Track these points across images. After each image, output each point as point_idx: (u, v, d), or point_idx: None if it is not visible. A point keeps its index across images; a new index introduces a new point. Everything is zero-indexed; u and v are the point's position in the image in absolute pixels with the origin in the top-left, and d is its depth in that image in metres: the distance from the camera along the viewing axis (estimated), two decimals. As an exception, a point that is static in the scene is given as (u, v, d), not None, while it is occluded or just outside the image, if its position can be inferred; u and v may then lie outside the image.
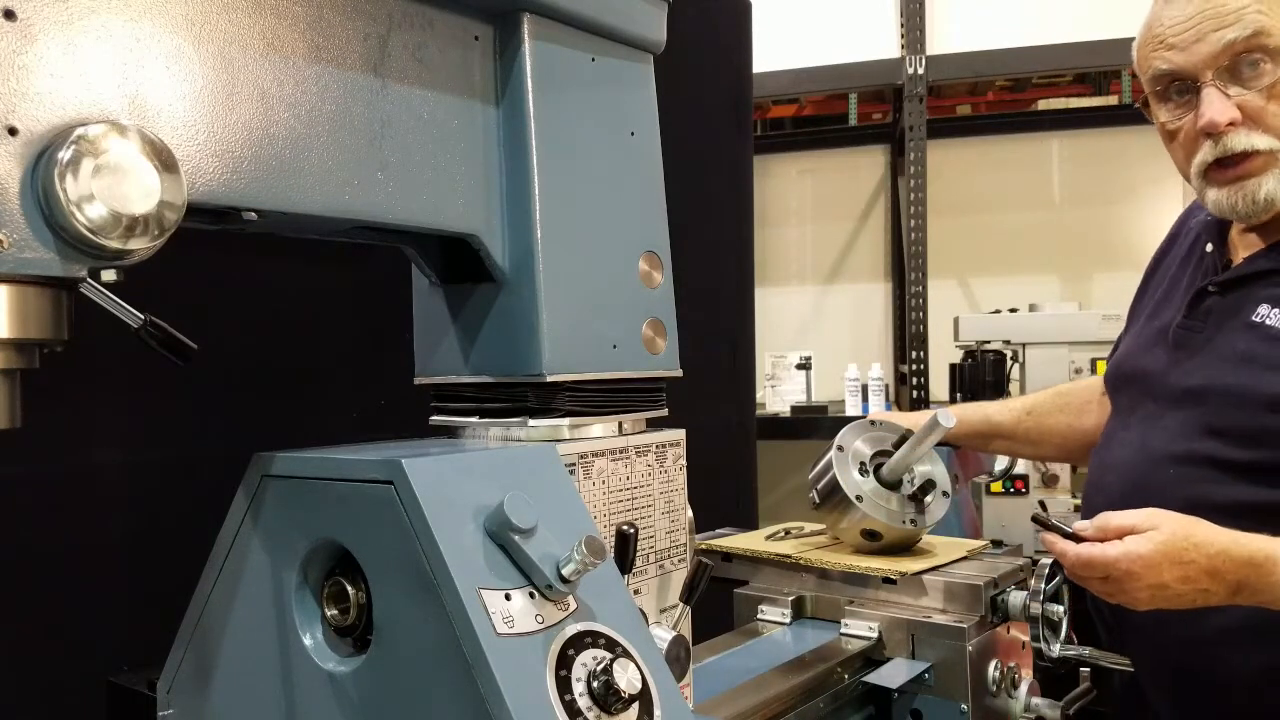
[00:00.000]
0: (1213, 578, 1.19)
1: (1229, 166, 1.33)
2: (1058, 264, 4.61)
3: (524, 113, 1.03)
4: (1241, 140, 1.31)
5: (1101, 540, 1.22)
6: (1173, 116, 1.38)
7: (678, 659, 1.03)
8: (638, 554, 1.07)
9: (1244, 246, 1.47)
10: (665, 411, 1.17)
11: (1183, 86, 1.35)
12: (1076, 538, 1.24)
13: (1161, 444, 1.43)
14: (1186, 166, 1.40)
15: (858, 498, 1.55)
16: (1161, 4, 1.36)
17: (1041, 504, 1.44)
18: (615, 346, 1.10)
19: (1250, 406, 1.32)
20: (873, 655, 1.43)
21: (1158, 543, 1.18)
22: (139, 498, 1.64)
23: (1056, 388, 1.95)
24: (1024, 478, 3.18)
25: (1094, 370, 3.40)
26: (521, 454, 0.98)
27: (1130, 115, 4.53)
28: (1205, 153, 1.34)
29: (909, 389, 4.22)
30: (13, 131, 0.69)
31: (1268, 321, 1.34)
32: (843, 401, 4.10)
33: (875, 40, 4.22)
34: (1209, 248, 1.50)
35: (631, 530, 0.99)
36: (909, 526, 1.57)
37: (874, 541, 1.58)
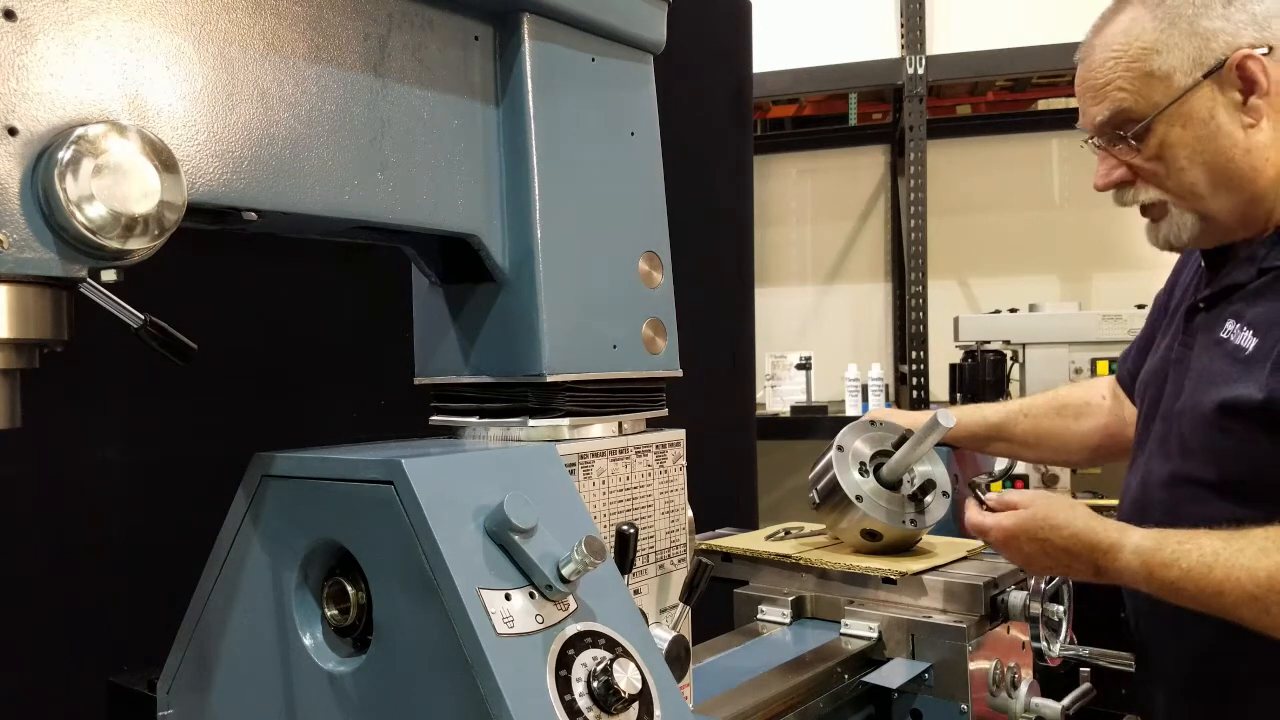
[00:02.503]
0: (1070, 555, 1.34)
1: (1143, 208, 1.45)
2: (1058, 264, 4.61)
3: (524, 113, 1.03)
4: (1130, 197, 1.44)
5: (995, 510, 1.42)
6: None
7: (678, 659, 1.03)
8: (638, 554, 1.07)
9: (1232, 258, 1.48)
10: (665, 411, 1.17)
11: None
12: (984, 506, 1.45)
13: (1156, 466, 1.47)
14: None
15: (858, 498, 1.56)
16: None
17: (970, 482, 1.53)
18: (615, 346, 1.10)
19: (1204, 424, 1.36)
20: (873, 655, 1.43)
21: (1018, 519, 1.37)
22: (139, 498, 1.64)
23: (1055, 390, 1.95)
24: (1024, 478, 3.18)
25: (1094, 370, 3.40)
26: (521, 454, 0.98)
27: (1130, 115, 4.54)
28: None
29: (909, 389, 4.22)
30: (13, 131, 0.69)
31: (1231, 339, 1.36)
32: (843, 401, 4.10)
33: (875, 40, 4.22)
34: (1202, 264, 1.53)
35: (631, 530, 0.99)
36: (909, 526, 1.57)
37: (874, 541, 1.58)
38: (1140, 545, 1.28)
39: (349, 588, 0.90)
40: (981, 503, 1.45)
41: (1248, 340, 1.33)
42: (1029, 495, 1.40)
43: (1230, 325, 1.37)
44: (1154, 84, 1.34)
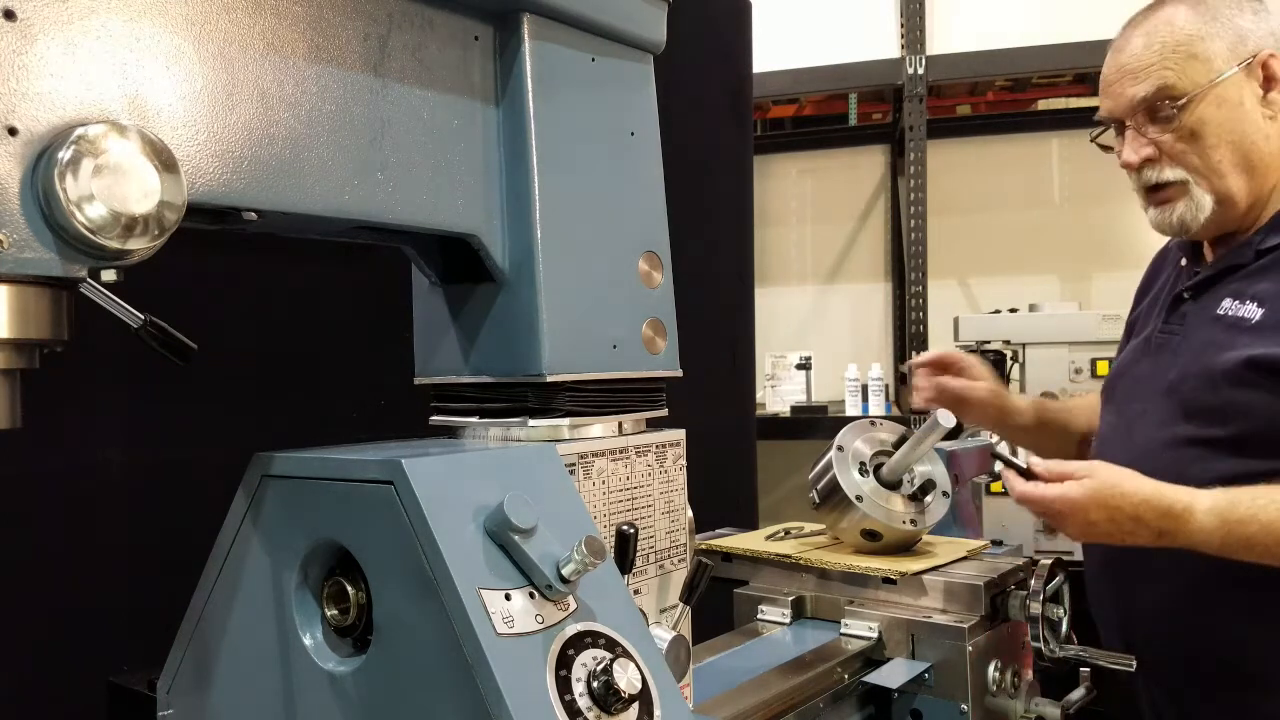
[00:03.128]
0: (1136, 522, 1.35)
1: (1154, 192, 1.54)
2: (1058, 264, 4.60)
3: (524, 113, 1.03)
4: (1153, 175, 1.52)
5: (1048, 480, 1.38)
6: (1118, 149, 1.58)
7: (678, 659, 1.03)
8: (638, 554, 1.07)
9: (1213, 256, 1.58)
10: (665, 411, 1.17)
11: (1118, 126, 1.56)
12: (1029, 475, 1.40)
13: (1148, 435, 1.52)
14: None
15: (858, 498, 1.55)
16: (1108, 55, 1.57)
17: (993, 452, 1.52)
18: (615, 346, 1.10)
19: (1213, 386, 1.44)
20: (873, 655, 1.43)
21: (1087, 488, 1.35)
22: (139, 498, 1.64)
23: (1073, 399, 2.01)
24: (1024, 478, 3.18)
25: (1094, 370, 3.40)
26: (521, 454, 0.98)
27: (1130, 115, 4.53)
28: (1133, 181, 1.56)
29: (909, 389, 4.22)
30: (13, 131, 0.69)
31: (1230, 313, 1.47)
32: (843, 401, 4.10)
33: (875, 40, 4.22)
34: (1184, 261, 1.64)
35: (631, 530, 0.99)
36: (909, 526, 1.57)
37: (874, 541, 1.58)
38: (1215, 505, 1.33)
39: (349, 588, 0.90)
40: (1023, 473, 1.41)
41: (1252, 311, 1.44)
42: (1086, 465, 1.40)
43: (1228, 302, 1.48)
44: (1196, 66, 1.46)
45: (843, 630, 1.47)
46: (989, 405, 1.80)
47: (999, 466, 1.45)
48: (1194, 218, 1.50)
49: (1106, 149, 1.61)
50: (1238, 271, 1.51)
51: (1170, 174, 1.50)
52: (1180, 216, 1.51)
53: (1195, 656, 1.48)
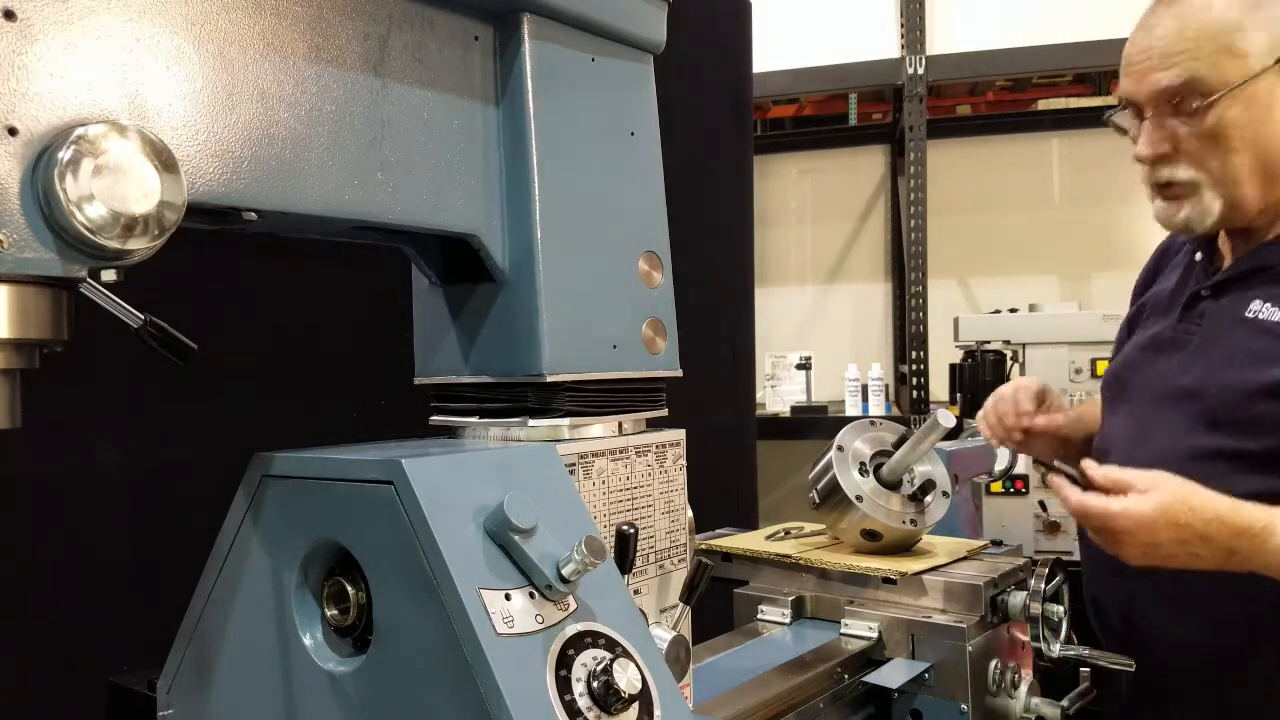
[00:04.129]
0: (1205, 542, 1.23)
1: (1164, 188, 1.44)
2: (1058, 264, 4.61)
3: (524, 113, 1.03)
4: (1165, 174, 1.43)
5: (1108, 491, 1.26)
6: (1134, 133, 1.48)
7: (678, 659, 1.03)
8: (638, 554, 1.07)
9: (1231, 252, 1.52)
10: (665, 411, 1.17)
11: (1136, 110, 1.45)
12: (1084, 483, 1.29)
13: (1166, 443, 1.45)
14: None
15: (858, 498, 1.56)
16: (1134, 29, 1.46)
17: (1037, 459, 1.46)
18: (615, 346, 1.10)
19: (1246, 397, 1.36)
20: (873, 655, 1.43)
21: (1156, 504, 1.23)
22: (139, 498, 1.64)
23: (1082, 406, 1.94)
24: (1024, 478, 3.18)
25: (1094, 370, 3.40)
26: (521, 454, 0.98)
27: (1130, 115, 4.54)
28: (1143, 174, 1.47)
29: (909, 389, 4.22)
30: (13, 131, 0.69)
31: (1260, 316, 1.39)
32: (843, 401, 4.10)
33: (875, 40, 4.22)
34: (1198, 256, 1.55)
35: (631, 530, 0.99)
36: (909, 526, 1.57)
37: (874, 541, 1.58)
38: None
39: (349, 588, 0.90)
40: (1076, 482, 1.30)
41: None
42: (1149, 475, 1.27)
43: (1258, 305, 1.40)
44: (1230, 61, 1.34)
45: (843, 630, 1.47)
46: (1055, 437, 1.71)
47: (1050, 477, 1.34)
48: (1199, 221, 1.42)
49: (1121, 131, 1.51)
50: (1265, 272, 1.42)
51: (1183, 174, 1.41)
52: (1186, 218, 1.43)
53: (1217, 674, 1.45)
